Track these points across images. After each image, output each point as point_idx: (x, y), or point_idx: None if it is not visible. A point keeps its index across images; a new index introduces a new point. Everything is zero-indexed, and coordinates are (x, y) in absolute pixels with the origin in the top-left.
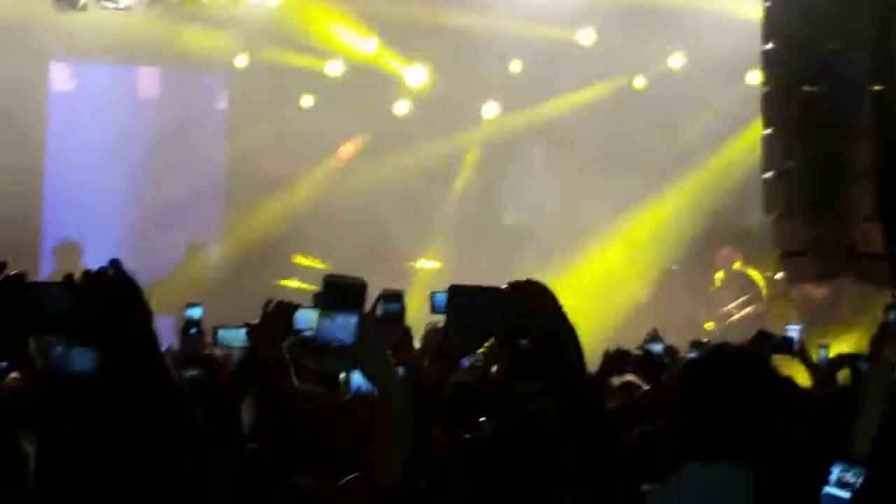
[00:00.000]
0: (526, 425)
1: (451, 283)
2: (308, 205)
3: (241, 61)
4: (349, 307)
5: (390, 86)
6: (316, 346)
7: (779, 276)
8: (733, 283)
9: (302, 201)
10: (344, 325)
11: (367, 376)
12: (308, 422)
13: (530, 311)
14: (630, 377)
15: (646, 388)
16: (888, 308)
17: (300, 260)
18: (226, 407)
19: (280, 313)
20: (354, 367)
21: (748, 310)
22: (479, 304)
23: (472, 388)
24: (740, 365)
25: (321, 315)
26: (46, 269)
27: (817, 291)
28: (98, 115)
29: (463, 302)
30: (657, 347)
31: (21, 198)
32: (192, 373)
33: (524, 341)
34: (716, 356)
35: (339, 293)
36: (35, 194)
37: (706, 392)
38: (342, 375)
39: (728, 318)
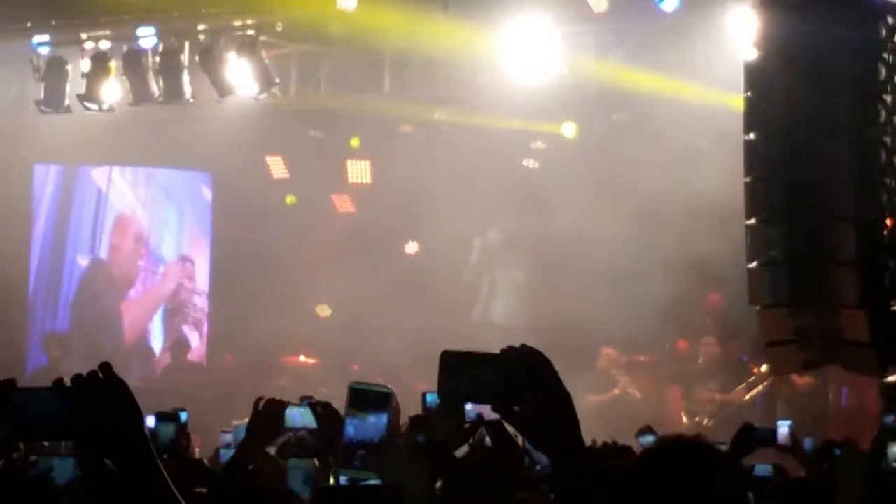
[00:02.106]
0: None
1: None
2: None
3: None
4: (378, 409)
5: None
6: (342, 454)
7: (764, 367)
8: (715, 372)
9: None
10: (374, 425)
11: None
12: None
13: (528, 377)
14: None
15: None
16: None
17: None
18: None
19: (271, 411)
20: (380, 477)
21: (736, 396)
22: (472, 369)
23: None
24: (691, 456)
25: (350, 415)
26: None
27: (803, 380)
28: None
29: (455, 368)
30: (648, 439)
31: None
32: None
33: (518, 408)
34: (668, 447)
35: (366, 398)
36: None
37: (656, 483)
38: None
39: (726, 405)
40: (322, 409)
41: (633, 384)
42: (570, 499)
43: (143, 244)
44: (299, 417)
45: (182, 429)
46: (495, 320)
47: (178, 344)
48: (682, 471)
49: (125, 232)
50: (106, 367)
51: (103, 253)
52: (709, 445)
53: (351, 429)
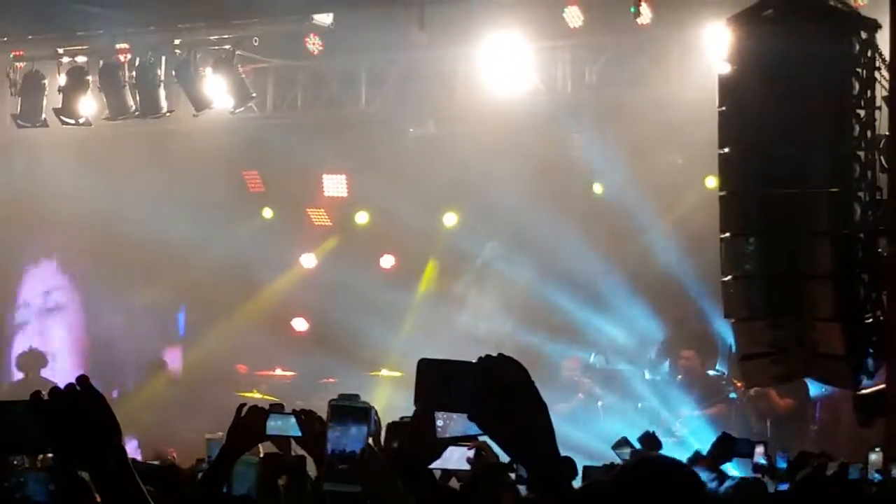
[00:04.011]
0: None
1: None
2: (268, 318)
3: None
4: (357, 422)
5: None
6: (325, 467)
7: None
8: (693, 384)
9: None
10: (354, 437)
11: (370, 494)
12: None
13: (504, 387)
14: None
15: None
16: None
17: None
18: None
19: (253, 418)
20: (361, 487)
21: (714, 409)
22: (449, 378)
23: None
24: (662, 475)
25: (331, 426)
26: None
27: (784, 402)
28: None
29: (433, 376)
30: (625, 451)
31: None
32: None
33: (494, 418)
34: (638, 465)
35: (346, 414)
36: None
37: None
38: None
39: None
40: (305, 416)
41: (594, 386)
42: None
43: None
44: (280, 425)
45: None
46: (476, 332)
47: (152, 359)
48: (656, 492)
49: None
50: (83, 380)
51: None
52: (682, 466)
53: (332, 443)
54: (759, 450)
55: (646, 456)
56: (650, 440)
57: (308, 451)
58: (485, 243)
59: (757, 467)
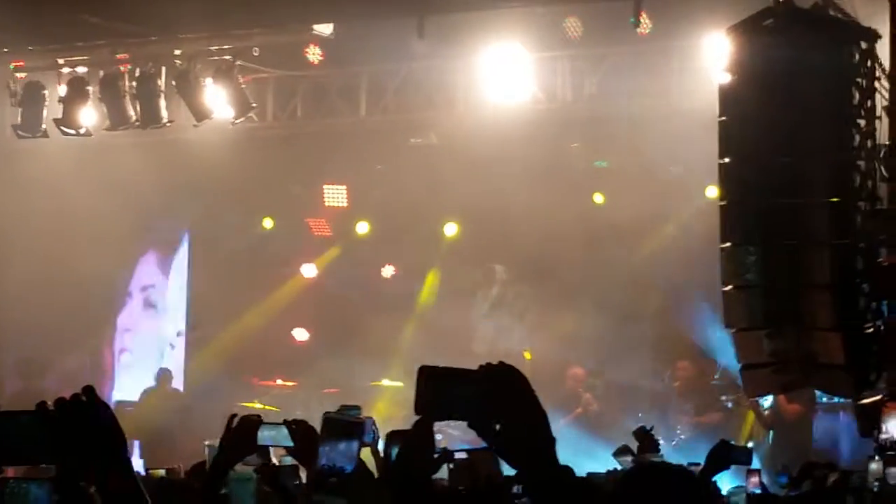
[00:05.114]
0: None
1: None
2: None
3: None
4: (350, 437)
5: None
6: (315, 479)
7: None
8: (690, 394)
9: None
10: (345, 452)
11: None
12: None
13: (505, 394)
14: None
15: None
16: None
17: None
18: None
19: (244, 428)
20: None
21: (706, 418)
22: (450, 386)
23: None
24: (668, 480)
25: (324, 440)
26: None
27: (791, 406)
28: None
29: (433, 384)
30: (626, 459)
31: None
32: None
33: (496, 425)
34: (644, 470)
35: (339, 427)
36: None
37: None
38: None
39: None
40: (297, 426)
41: (594, 400)
42: None
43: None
44: (272, 435)
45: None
46: (475, 348)
47: (161, 371)
48: (659, 495)
49: None
50: (89, 390)
51: None
52: (684, 470)
53: (323, 456)
54: (754, 479)
55: (648, 461)
56: (644, 437)
57: (300, 461)
58: (486, 261)
59: (751, 498)
